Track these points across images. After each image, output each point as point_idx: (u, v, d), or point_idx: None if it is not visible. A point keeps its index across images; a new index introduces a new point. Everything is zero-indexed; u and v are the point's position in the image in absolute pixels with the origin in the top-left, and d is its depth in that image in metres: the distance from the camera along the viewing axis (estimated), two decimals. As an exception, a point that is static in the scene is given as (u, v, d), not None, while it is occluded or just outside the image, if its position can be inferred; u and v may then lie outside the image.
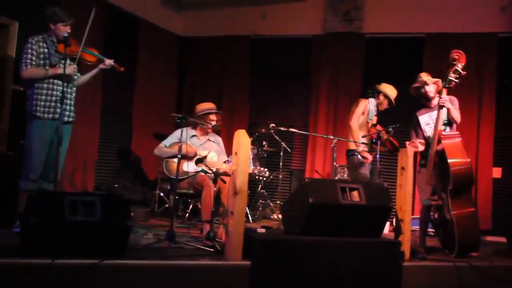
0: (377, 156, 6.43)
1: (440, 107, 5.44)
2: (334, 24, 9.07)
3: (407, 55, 8.73)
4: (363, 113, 6.79)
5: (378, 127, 6.69)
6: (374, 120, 6.92)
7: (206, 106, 6.39)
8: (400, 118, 6.60)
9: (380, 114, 6.99)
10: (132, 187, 8.02)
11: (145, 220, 6.90)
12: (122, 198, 4.35)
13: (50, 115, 5.13)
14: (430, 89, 5.71)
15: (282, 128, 7.03)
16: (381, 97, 6.85)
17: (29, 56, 5.07)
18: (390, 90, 6.85)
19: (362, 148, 6.63)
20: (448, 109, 5.53)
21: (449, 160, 5.26)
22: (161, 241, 4.87)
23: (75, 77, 5.38)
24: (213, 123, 6.24)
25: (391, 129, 6.48)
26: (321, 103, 9.00)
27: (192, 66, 9.91)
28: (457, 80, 5.39)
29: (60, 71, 5.02)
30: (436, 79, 5.73)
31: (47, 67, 5.12)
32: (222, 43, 9.69)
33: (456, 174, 5.25)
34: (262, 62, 9.50)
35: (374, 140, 6.60)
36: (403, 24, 8.66)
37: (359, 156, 6.68)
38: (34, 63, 5.08)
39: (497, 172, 8.11)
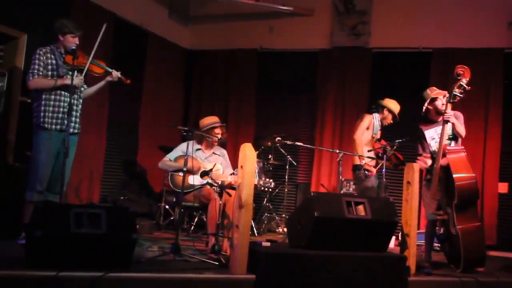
0: (383, 170, 6.41)
1: (445, 122, 5.43)
2: (341, 38, 9.10)
3: (414, 70, 8.74)
4: (367, 128, 6.79)
5: (383, 142, 6.69)
6: (378, 134, 6.93)
7: (210, 120, 6.40)
8: (405, 132, 6.59)
9: (385, 128, 6.99)
10: (137, 200, 8.03)
11: (150, 233, 6.90)
12: (127, 210, 4.35)
13: (58, 127, 5.15)
14: (438, 103, 5.70)
15: (288, 142, 7.04)
16: (386, 112, 6.86)
17: (36, 66, 5.11)
18: (393, 105, 6.86)
19: (365, 161, 6.62)
20: (453, 124, 5.52)
21: (454, 175, 5.25)
22: (166, 254, 4.86)
23: (82, 89, 5.40)
24: (219, 136, 6.25)
25: (396, 143, 6.47)
26: (327, 117, 9.00)
27: (198, 79, 9.95)
28: (461, 95, 5.40)
29: (68, 81, 5.05)
30: (443, 91, 5.72)
31: (55, 78, 5.15)
32: (229, 57, 9.73)
33: (461, 188, 5.24)
34: (268, 76, 9.54)
35: (380, 155, 6.59)
36: (410, 39, 8.69)
37: (363, 170, 6.67)
38: (41, 73, 5.12)
39: (503, 187, 8.08)
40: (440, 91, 5.74)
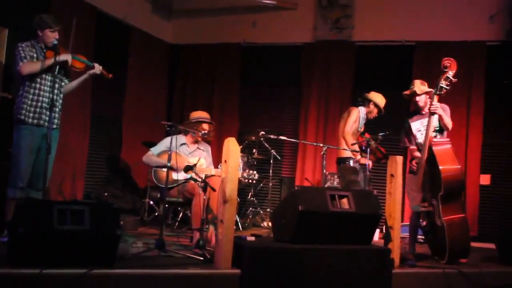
0: (366, 164, 6.44)
1: (432, 113, 5.46)
2: (324, 32, 9.12)
3: (397, 63, 8.80)
4: (354, 122, 6.81)
5: (367, 135, 6.72)
6: (362, 128, 6.95)
7: (200, 114, 6.39)
8: (389, 125, 6.62)
9: (368, 121, 7.01)
10: (121, 196, 7.99)
11: (135, 229, 6.87)
12: (111, 206, 4.33)
13: (35, 121, 5.08)
14: (420, 99, 5.73)
15: (272, 136, 7.03)
16: (371, 106, 6.86)
17: (23, 54, 5.03)
18: (379, 99, 6.87)
19: (359, 156, 6.64)
20: (440, 116, 5.54)
21: (440, 167, 5.29)
22: (150, 250, 4.84)
23: (63, 83, 5.35)
24: (204, 131, 6.23)
25: (380, 136, 6.49)
26: (311, 110, 9.02)
27: (182, 74, 9.91)
28: (448, 87, 5.43)
29: (49, 62, 5.01)
30: (427, 89, 5.74)
31: (42, 59, 5.09)
32: (212, 51, 9.70)
33: (447, 180, 5.28)
34: (252, 70, 9.54)
35: (363, 148, 6.61)
36: (393, 32, 8.73)
37: (351, 162, 6.69)
38: (28, 59, 5.05)
39: (485, 179, 8.16)
40: (425, 88, 5.74)
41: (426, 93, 5.74)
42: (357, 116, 6.82)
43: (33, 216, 3.83)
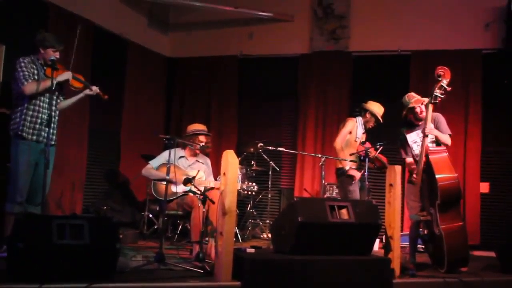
0: (366, 173, 6.44)
1: (425, 135, 5.48)
2: (321, 43, 9.15)
3: (394, 72, 8.82)
4: (350, 132, 6.81)
5: (367, 145, 6.72)
6: (363, 137, 6.95)
7: (196, 127, 6.40)
8: (388, 135, 6.63)
9: (368, 131, 7.02)
10: (120, 209, 7.98)
11: (134, 242, 6.86)
12: (110, 220, 4.33)
13: (34, 137, 5.12)
14: (419, 109, 5.72)
15: (270, 147, 7.04)
16: (368, 115, 6.87)
17: (26, 72, 5.07)
18: (377, 108, 6.87)
19: (349, 166, 6.63)
20: (436, 137, 5.57)
21: (436, 176, 5.30)
22: (150, 263, 4.84)
23: (58, 100, 5.39)
24: (202, 144, 6.23)
25: (379, 146, 6.51)
26: (309, 121, 9.03)
27: (180, 87, 9.94)
28: (442, 96, 5.45)
29: (59, 79, 5.09)
30: (419, 98, 5.75)
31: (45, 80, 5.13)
32: (209, 64, 9.73)
33: (443, 188, 5.28)
34: (249, 82, 9.56)
35: (362, 158, 6.61)
36: (389, 42, 8.76)
37: (346, 173, 6.70)
38: (31, 78, 5.09)
39: (484, 187, 8.15)
40: (418, 98, 5.75)
41: (419, 100, 5.73)
42: (353, 126, 6.83)
43: (32, 231, 3.83)
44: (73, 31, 6.94)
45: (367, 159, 6.39)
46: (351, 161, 6.61)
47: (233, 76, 9.59)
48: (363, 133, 6.94)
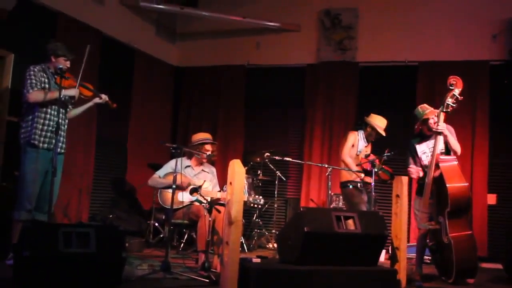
0: (372, 184, 6.44)
1: (438, 133, 5.46)
2: (328, 53, 9.17)
3: (401, 83, 8.82)
4: (353, 146, 6.82)
5: (371, 157, 6.70)
6: (368, 150, 6.95)
7: (202, 136, 6.40)
8: (394, 145, 6.61)
9: (374, 142, 7.01)
10: (127, 218, 7.98)
11: (140, 251, 6.87)
12: (116, 229, 4.34)
13: (46, 145, 5.15)
14: (432, 121, 5.68)
15: (277, 157, 7.04)
16: (369, 129, 6.85)
17: (33, 81, 5.13)
18: (378, 121, 6.83)
19: (363, 175, 6.65)
20: (446, 137, 5.54)
21: (447, 183, 5.28)
22: (156, 272, 4.84)
23: (68, 109, 5.42)
24: (208, 153, 6.23)
25: (384, 156, 6.50)
26: (315, 131, 9.03)
27: (187, 96, 9.96)
28: (454, 105, 5.45)
29: (56, 94, 5.05)
30: (432, 109, 5.73)
31: (51, 91, 5.17)
32: (216, 73, 9.75)
33: (454, 196, 5.27)
34: (256, 92, 9.57)
35: (368, 170, 6.61)
36: (396, 52, 8.77)
37: (351, 186, 6.70)
38: (38, 86, 5.13)
39: (492, 199, 8.12)
40: (432, 110, 5.73)
41: (432, 112, 5.71)
42: (354, 140, 6.84)
43: (39, 239, 3.84)
44: (80, 40, 7.05)
45: (373, 171, 6.40)
46: (358, 171, 6.61)
47: (240, 85, 9.61)
48: (365, 146, 6.93)
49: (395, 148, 6.53)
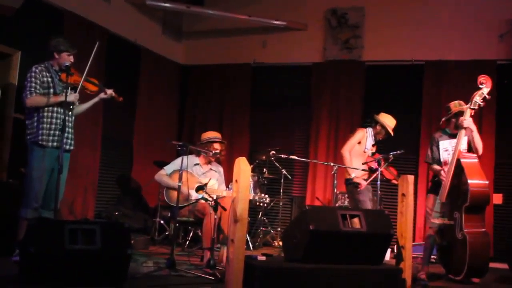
0: (378, 183, 6.43)
1: (464, 127, 5.42)
2: (334, 52, 9.16)
3: (407, 82, 8.81)
4: (359, 143, 6.79)
5: (376, 156, 6.69)
6: (374, 149, 6.93)
7: (210, 134, 6.42)
8: (399, 145, 6.60)
9: (379, 142, 7.00)
10: (132, 215, 8.00)
11: (145, 248, 6.88)
12: (122, 226, 4.35)
13: (55, 143, 5.13)
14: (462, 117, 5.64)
15: (282, 155, 7.04)
16: (379, 127, 6.84)
17: (33, 84, 5.11)
18: (388, 120, 6.82)
19: (354, 174, 6.61)
20: (472, 132, 5.50)
21: (469, 180, 5.26)
22: (161, 269, 4.85)
23: (74, 106, 5.42)
24: (216, 151, 6.23)
25: (391, 155, 6.48)
26: (321, 130, 9.03)
27: (193, 94, 9.98)
28: (482, 104, 5.46)
29: (61, 99, 5.06)
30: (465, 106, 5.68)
31: (50, 95, 5.16)
32: (223, 71, 9.77)
33: (475, 193, 5.26)
34: (262, 90, 9.58)
35: (373, 169, 6.60)
36: (402, 51, 8.75)
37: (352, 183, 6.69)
38: (38, 91, 5.12)
39: (498, 198, 8.09)
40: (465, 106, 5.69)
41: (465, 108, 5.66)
42: (362, 136, 6.81)
43: (45, 236, 3.85)
44: (87, 38, 7.06)
45: (378, 169, 6.39)
46: (363, 170, 6.60)
47: (246, 84, 9.62)
48: (373, 145, 6.91)
49: (401, 148, 6.52)
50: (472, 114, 5.50)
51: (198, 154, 6.31)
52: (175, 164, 6.14)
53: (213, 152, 6.19)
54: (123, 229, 4.26)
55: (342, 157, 6.73)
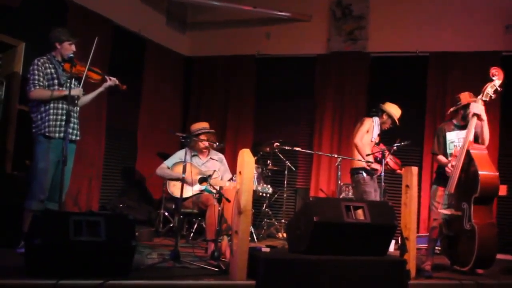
0: (382, 174, 6.42)
1: (475, 115, 5.38)
2: (339, 43, 9.14)
3: (411, 73, 8.78)
4: (367, 132, 6.78)
5: (381, 146, 6.69)
6: (377, 139, 6.93)
7: (197, 126, 6.41)
8: (403, 136, 6.59)
9: (383, 132, 6.99)
10: (136, 207, 8.02)
11: (150, 240, 6.89)
12: (126, 218, 4.35)
13: (61, 134, 5.09)
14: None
15: (286, 147, 7.03)
16: (385, 117, 6.84)
17: (36, 77, 5.10)
18: (394, 110, 6.84)
19: (370, 159, 6.61)
20: (483, 122, 5.44)
21: (480, 171, 5.20)
22: (165, 261, 4.86)
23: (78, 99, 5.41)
24: (206, 143, 6.23)
25: (395, 147, 6.48)
26: (325, 121, 9.01)
27: (197, 86, 9.98)
28: (493, 95, 5.43)
29: (65, 92, 5.05)
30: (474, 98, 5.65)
31: (55, 87, 5.15)
32: (227, 63, 9.76)
33: (484, 185, 5.20)
34: (267, 81, 9.56)
35: (378, 159, 6.60)
36: (407, 43, 8.72)
37: (364, 173, 6.66)
38: (41, 84, 5.11)
39: (502, 190, 8.06)
40: (475, 98, 5.66)
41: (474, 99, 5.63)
42: (370, 126, 6.80)
43: (50, 227, 3.87)
44: (91, 28, 7.05)
45: (383, 160, 6.38)
46: (368, 161, 6.59)
47: (251, 75, 9.60)
48: (378, 134, 6.91)
49: (406, 139, 6.51)
50: (483, 105, 5.47)
51: (193, 146, 6.27)
52: (176, 156, 6.15)
53: (206, 145, 6.21)
54: (128, 221, 4.26)
55: (357, 147, 6.71)
